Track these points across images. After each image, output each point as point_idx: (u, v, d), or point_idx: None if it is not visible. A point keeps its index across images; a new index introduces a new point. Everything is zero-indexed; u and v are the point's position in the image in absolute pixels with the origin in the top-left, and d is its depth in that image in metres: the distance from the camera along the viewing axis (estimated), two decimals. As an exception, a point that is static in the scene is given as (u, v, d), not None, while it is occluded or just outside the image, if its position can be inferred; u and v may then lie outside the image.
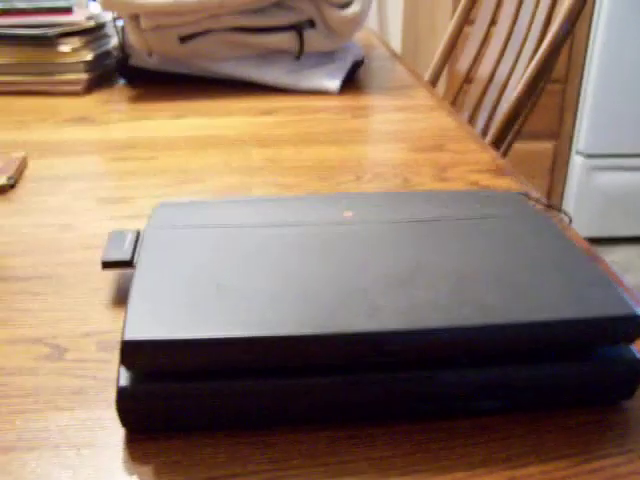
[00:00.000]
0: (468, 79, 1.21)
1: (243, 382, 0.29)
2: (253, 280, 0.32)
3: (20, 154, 0.63)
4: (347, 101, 0.85)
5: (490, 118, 1.08)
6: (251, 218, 0.39)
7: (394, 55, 1.16)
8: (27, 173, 0.61)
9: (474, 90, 1.16)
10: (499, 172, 0.60)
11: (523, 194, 0.43)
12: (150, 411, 0.29)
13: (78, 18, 0.91)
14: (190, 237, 0.37)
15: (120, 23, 0.93)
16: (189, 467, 0.28)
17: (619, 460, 0.29)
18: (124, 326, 0.29)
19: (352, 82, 0.94)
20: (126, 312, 0.30)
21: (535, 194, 0.52)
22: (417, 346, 0.29)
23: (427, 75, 1.29)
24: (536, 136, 2.14)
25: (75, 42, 0.89)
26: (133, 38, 0.87)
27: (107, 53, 0.99)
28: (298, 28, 0.88)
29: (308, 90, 0.89)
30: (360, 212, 0.40)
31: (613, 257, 2.15)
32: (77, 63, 0.89)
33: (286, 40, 0.89)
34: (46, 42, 0.87)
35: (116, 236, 0.42)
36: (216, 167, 0.62)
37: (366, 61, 1.08)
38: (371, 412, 0.31)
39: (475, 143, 0.69)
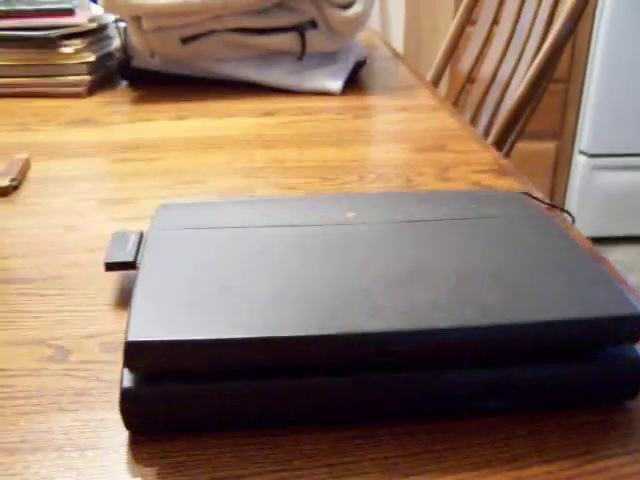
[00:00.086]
0: (470, 79, 1.20)
1: (247, 383, 0.29)
2: (256, 281, 0.32)
3: (23, 156, 0.63)
4: (349, 102, 0.85)
5: (492, 118, 1.08)
6: (254, 219, 0.39)
7: (396, 55, 1.16)
8: (30, 175, 0.61)
9: (476, 90, 1.16)
10: (501, 172, 0.60)
11: (525, 194, 0.43)
12: (154, 412, 0.29)
13: (80, 20, 0.91)
14: (193, 238, 0.37)
15: (122, 25, 0.93)
16: (193, 468, 0.28)
17: (624, 460, 0.28)
18: (127, 327, 0.29)
19: (354, 83, 0.94)
20: (129, 313, 0.30)
21: (537, 194, 0.52)
22: (419, 346, 0.29)
23: (429, 75, 1.28)
24: (539, 136, 2.13)
25: (77, 44, 0.89)
26: (135, 39, 0.87)
27: (109, 55, 0.99)
28: (300, 29, 0.88)
29: (310, 91, 0.89)
30: (362, 213, 0.39)
31: (616, 256, 2.14)
32: (79, 65, 0.89)
33: (288, 41, 0.89)
34: (48, 44, 0.88)
35: (119, 237, 0.42)
36: (219, 168, 0.62)
37: (368, 61, 1.08)
38: (374, 412, 0.31)
39: (477, 143, 0.69)
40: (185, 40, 0.87)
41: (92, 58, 0.90)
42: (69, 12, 0.89)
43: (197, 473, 0.28)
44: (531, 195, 0.44)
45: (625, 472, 0.28)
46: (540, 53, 0.99)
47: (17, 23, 0.88)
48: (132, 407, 0.29)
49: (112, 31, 1.03)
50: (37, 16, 0.89)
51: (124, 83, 0.95)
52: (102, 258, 0.45)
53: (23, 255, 0.46)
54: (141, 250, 0.38)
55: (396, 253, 0.35)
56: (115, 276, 0.43)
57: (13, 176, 0.58)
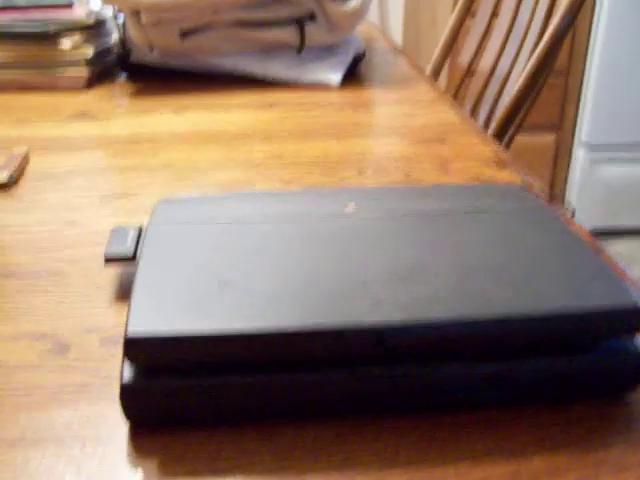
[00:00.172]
0: (470, 72, 1.20)
1: (246, 376, 0.30)
2: (255, 275, 0.32)
3: (22, 150, 0.63)
4: (348, 95, 0.85)
5: (492, 111, 1.08)
6: (253, 213, 0.39)
7: (395, 48, 1.16)
8: (29, 169, 0.61)
9: (476, 83, 1.15)
10: (501, 165, 0.60)
11: (525, 187, 0.43)
12: (154, 406, 0.29)
13: (79, 14, 0.90)
14: (192, 232, 0.37)
15: (121, 18, 0.93)
16: (193, 460, 0.28)
17: (623, 452, 0.29)
18: (127, 321, 0.29)
19: (353, 76, 0.94)
20: (129, 307, 0.30)
21: (537, 187, 0.52)
22: (419, 339, 0.29)
23: (428, 68, 1.28)
24: (538, 128, 2.13)
25: (76, 38, 0.89)
26: (134, 33, 0.87)
27: (108, 49, 0.99)
28: (299, 22, 0.88)
29: (309, 84, 0.89)
30: (362, 206, 0.39)
31: (617, 249, 2.14)
32: (78, 59, 0.88)
33: (287, 34, 0.89)
34: (47, 38, 0.87)
35: (118, 232, 0.42)
36: (218, 162, 0.62)
37: (367, 55, 1.07)
38: (374, 405, 0.31)
39: (477, 136, 0.68)
40: (184, 34, 0.86)
41: (91, 52, 0.89)
42: (67, 6, 0.89)
43: (197, 465, 0.28)
44: (531, 188, 0.44)
45: (624, 464, 0.28)
46: (539, 46, 0.99)
47: (15, 17, 0.88)
48: (132, 400, 0.29)
49: (111, 25, 1.02)
50: (35, 10, 0.88)
51: (123, 77, 0.95)
52: (102, 253, 0.45)
53: (23, 250, 0.46)
54: (140, 244, 0.38)
55: (396, 247, 0.35)
56: (115, 271, 0.43)
57: (12, 170, 0.58)
